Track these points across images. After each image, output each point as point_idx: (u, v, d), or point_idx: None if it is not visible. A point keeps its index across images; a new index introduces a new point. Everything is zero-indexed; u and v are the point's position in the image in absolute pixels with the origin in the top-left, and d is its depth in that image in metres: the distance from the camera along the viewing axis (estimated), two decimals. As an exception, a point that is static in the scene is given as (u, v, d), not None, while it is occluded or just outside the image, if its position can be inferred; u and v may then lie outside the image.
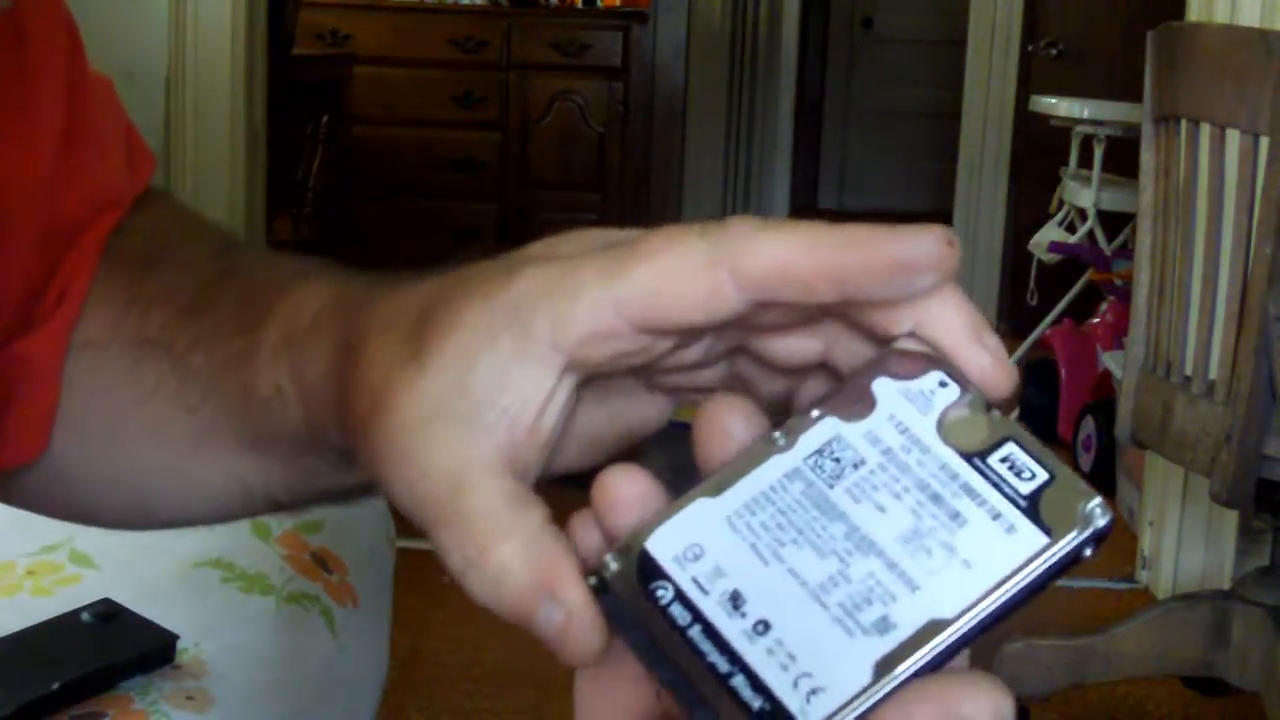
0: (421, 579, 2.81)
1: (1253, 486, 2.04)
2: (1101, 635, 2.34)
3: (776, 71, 6.04)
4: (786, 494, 0.36)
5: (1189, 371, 2.16)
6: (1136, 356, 2.27)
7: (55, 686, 0.90)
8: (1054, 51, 5.07)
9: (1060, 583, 0.35)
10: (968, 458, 0.36)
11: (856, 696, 0.33)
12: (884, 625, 0.33)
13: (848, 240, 0.37)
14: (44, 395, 0.57)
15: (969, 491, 0.35)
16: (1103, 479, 3.61)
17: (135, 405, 0.56)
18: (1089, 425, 3.68)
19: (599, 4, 5.37)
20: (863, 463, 0.36)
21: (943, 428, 0.36)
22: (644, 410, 0.45)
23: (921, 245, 0.37)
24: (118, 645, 0.94)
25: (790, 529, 0.35)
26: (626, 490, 0.38)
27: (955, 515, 0.35)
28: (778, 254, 0.38)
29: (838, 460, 0.36)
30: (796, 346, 0.41)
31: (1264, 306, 1.99)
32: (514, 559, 0.38)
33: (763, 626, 0.34)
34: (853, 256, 0.37)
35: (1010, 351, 4.77)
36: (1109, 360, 3.54)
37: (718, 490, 0.36)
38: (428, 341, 0.41)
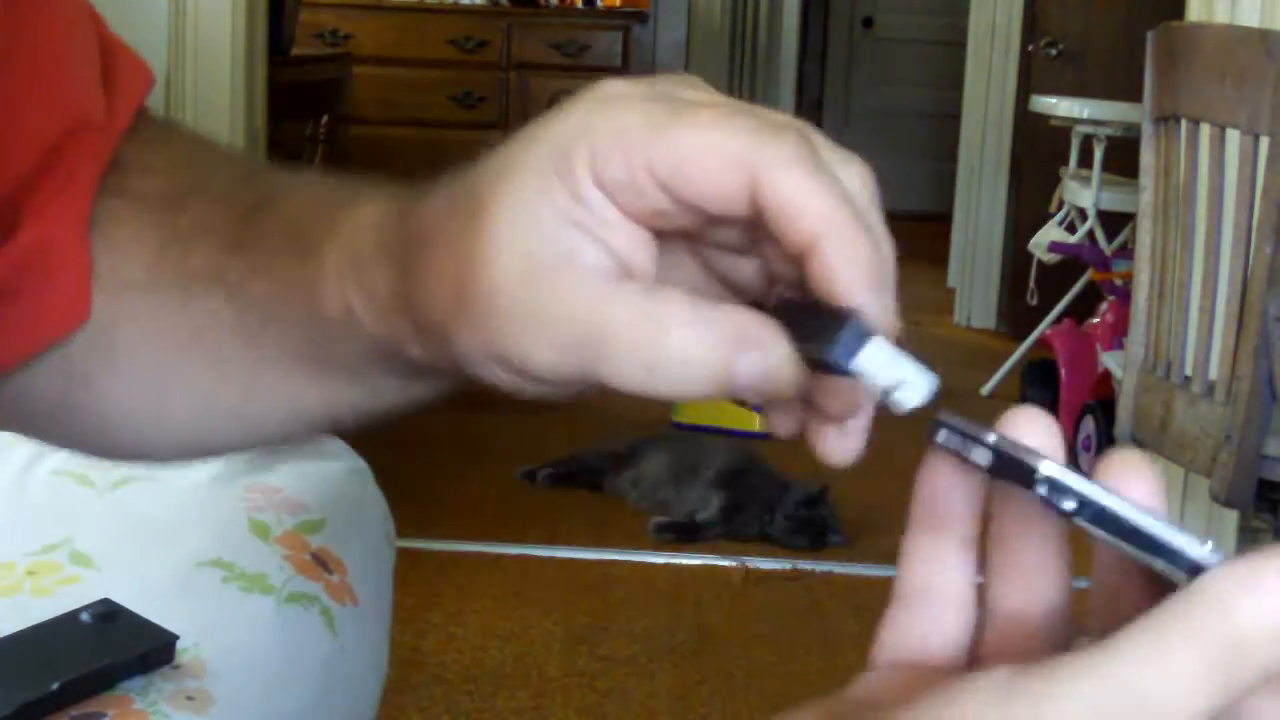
0: (421, 579, 2.81)
1: (1253, 486, 2.04)
2: (1101, 635, 2.33)
3: (776, 71, 6.03)
4: None
5: (1189, 371, 2.16)
6: (1136, 356, 2.27)
7: (55, 686, 0.90)
8: (1054, 51, 5.07)
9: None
10: None
11: None
12: None
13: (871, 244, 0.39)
14: (74, 262, 0.54)
15: None
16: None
17: (190, 342, 0.54)
18: (1089, 425, 3.68)
19: (599, 4, 5.37)
20: None
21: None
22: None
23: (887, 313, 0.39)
24: (118, 645, 0.94)
25: None
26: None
27: None
28: (798, 197, 0.39)
29: None
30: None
31: (1264, 306, 1.99)
32: (689, 336, 0.38)
33: None
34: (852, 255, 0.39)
35: (1010, 352, 4.75)
36: (1109, 360, 3.54)
37: None
38: (484, 202, 0.41)
